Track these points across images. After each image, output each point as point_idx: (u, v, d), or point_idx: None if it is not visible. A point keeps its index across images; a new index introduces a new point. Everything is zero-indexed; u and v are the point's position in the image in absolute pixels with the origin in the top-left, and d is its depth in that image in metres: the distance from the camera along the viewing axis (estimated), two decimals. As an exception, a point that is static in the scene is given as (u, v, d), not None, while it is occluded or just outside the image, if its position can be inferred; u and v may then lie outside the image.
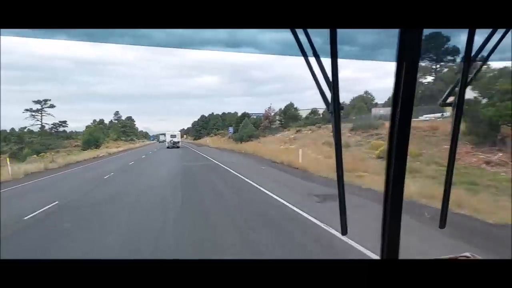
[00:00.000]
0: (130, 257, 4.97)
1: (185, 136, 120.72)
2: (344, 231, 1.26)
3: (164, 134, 61.22)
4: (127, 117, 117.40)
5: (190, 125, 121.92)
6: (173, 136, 52.58)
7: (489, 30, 1.14)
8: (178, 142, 51.94)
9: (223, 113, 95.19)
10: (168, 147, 49.99)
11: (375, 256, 5.35)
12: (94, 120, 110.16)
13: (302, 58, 1.13)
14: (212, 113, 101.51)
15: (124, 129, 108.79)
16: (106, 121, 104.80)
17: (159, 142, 79.89)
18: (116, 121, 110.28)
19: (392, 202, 1.18)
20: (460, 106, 1.24)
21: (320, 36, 1.09)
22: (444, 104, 1.26)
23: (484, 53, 1.18)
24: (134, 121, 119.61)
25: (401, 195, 1.18)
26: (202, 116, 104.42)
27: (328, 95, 1.15)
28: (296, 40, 1.09)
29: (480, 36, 1.13)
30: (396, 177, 1.15)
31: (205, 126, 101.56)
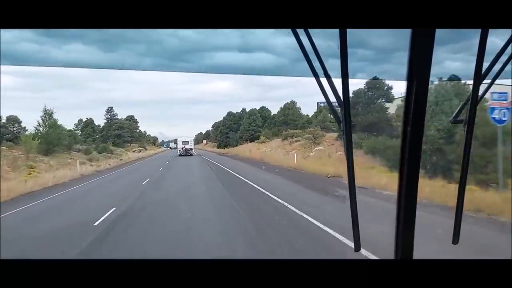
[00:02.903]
0: None
1: (204, 141, 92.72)
2: (357, 247, 1.25)
3: (175, 141, 57.14)
4: (128, 117, 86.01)
5: (210, 128, 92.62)
6: (185, 142, 48.60)
7: (498, 48, 1.10)
8: (191, 149, 48.46)
9: (262, 107, 63.60)
10: (180, 155, 45.37)
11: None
12: (80, 120, 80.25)
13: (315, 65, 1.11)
14: (244, 109, 70.11)
15: (120, 131, 77.16)
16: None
17: (171, 149, 72.82)
18: (109, 122, 78.90)
19: (406, 203, 1.17)
20: (471, 123, 1.20)
21: (330, 59, 1.08)
22: (455, 121, 1.24)
23: (493, 72, 1.14)
24: (137, 122, 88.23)
25: (415, 196, 1.16)
26: (229, 114, 71.84)
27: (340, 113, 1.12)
28: (307, 61, 1.09)
29: (489, 55, 1.09)
30: (409, 178, 1.14)
31: (234, 128, 69.48)
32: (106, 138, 73.63)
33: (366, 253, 5.67)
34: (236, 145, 62.36)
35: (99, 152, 40.33)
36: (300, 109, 46.06)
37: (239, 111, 72.57)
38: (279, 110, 48.08)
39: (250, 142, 49.90)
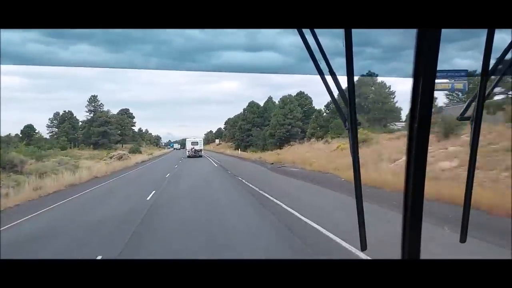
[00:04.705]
0: None
1: (217, 141, 75.39)
2: (363, 247, 1.25)
3: (182, 142, 58.08)
4: (121, 111, 67.25)
5: (222, 125, 74.96)
6: (194, 143, 44.05)
7: (505, 45, 1.10)
8: (200, 150, 44.41)
9: (300, 94, 45.41)
10: (189, 156, 41.10)
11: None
12: (56, 113, 62.67)
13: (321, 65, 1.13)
14: (270, 97, 52.02)
15: (106, 128, 57.94)
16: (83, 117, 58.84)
17: (175, 149, 72.35)
18: (91, 115, 60.27)
19: (412, 202, 1.16)
20: (478, 120, 1.20)
21: (336, 57, 1.07)
22: (462, 119, 1.23)
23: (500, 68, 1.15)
24: (133, 118, 69.14)
25: (421, 195, 1.16)
26: (251, 105, 53.07)
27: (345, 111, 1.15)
28: (312, 60, 1.11)
29: (496, 51, 1.09)
30: (416, 177, 1.14)
31: (258, 123, 50.49)
32: (88, 137, 55.60)
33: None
34: (264, 147, 43.13)
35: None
36: (385, 84, 27.09)
37: (267, 99, 54.00)
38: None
39: (295, 141, 31.46)
